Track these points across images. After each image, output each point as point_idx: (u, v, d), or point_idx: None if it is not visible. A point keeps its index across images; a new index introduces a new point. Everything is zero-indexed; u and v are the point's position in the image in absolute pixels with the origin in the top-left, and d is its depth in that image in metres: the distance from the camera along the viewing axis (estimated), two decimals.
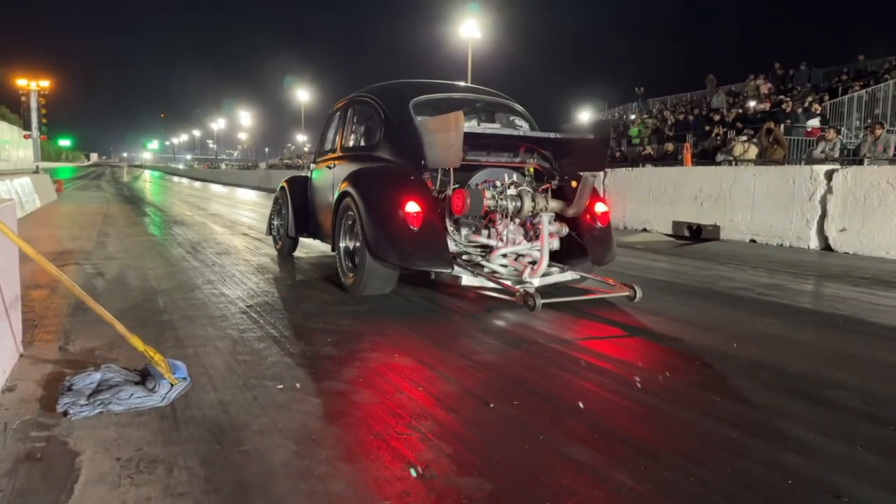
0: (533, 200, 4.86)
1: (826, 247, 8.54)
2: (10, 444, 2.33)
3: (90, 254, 7.39)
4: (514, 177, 5.08)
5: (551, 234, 4.95)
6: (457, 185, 4.98)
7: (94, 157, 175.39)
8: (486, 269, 4.94)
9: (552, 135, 5.29)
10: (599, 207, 5.40)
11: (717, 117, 19.62)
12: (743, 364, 3.52)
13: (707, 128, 19.62)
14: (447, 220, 5.01)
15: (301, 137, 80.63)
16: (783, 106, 18.16)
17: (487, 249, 5.07)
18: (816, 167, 8.96)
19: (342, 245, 5.46)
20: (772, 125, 15.01)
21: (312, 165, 7.12)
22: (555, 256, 5.10)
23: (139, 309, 4.61)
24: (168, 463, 2.22)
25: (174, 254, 7.64)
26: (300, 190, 7.12)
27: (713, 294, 5.68)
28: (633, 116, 28.35)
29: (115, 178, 49.26)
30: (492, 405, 2.81)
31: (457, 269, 4.78)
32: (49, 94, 30.34)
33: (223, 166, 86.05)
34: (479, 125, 5.78)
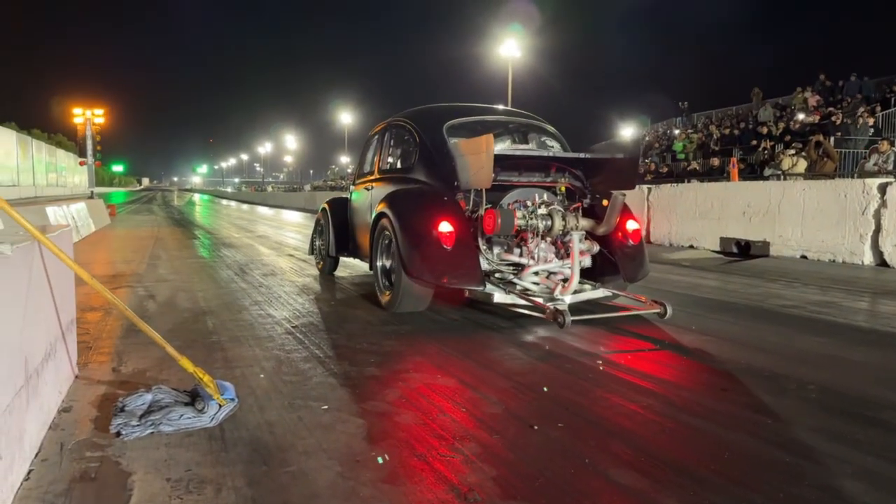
0: (563, 219, 4.99)
1: (881, 262, 8.27)
2: (66, 464, 2.40)
3: (142, 276, 7.60)
4: (545, 196, 5.19)
5: (582, 253, 5.02)
6: (489, 205, 5.07)
7: (145, 181, 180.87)
8: (518, 287, 5.00)
9: (582, 155, 5.45)
10: (631, 225, 5.42)
11: (764, 131, 19.26)
12: (795, 385, 3.42)
13: (754, 142, 19.26)
14: (480, 240, 5.10)
15: (344, 159, 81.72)
16: (833, 118, 17.73)
17: (520, 267, 5.12)
18: (869, 180, 8.71)
19: (379, 264, 5.60)
20: (821, 138, 14.66)
21: (352, 187, 7.32)
22: (587, 273, 5.26)
23: (189, 330, 4.72)
24: (216, 484, 2.26)
25: (223, 275, 7.80)
26: (340, 210, 7.32)
27: (763, 312, 5.54)
28: (677, 131, 28.01)
29: (165, 201, 50.62)
30: (536, 427, 2.79)
31: (489, 287, 4.88)
32: (103, 123, 31.43)
33: (269, 189, 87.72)
34: (511, 146, 5.94)
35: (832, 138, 16.31)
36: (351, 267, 8.23)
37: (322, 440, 2.64)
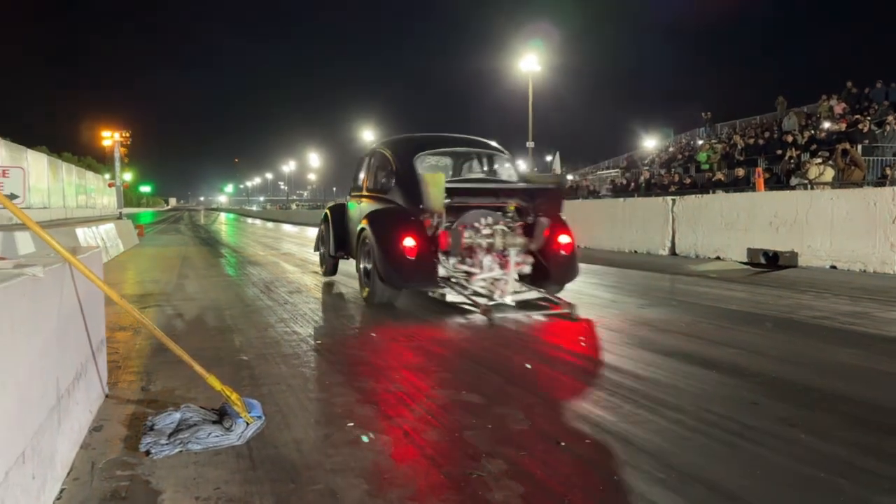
0: (503, 237, 6.18)
1: None
2: (97, 483, 2.43)
3: (170, 296, 7.69)
4: (490, 218, 6.33)
5: (518, 263, 6.22)
6: (447, 225, 6.22)
7: (172, 201, 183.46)
8: (468, 290, 6.06)
9: (519, 185, 6.82)
10: (563, 238, 6.46)
11: (789, 139, 19.04)
12: (828, 398, 3.36)
13: (779, 151, 19.04)
14: (440, 252, 6.21)
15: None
16: (860, 126, 17.48)
17: (470, 274, 6.22)
18: None
19: (361, 266, 6.91)
20: (847, 146, 14.45)
21: (348, 197, 8.47)
22: (531, 277, 6.39)
23: (216, 348, 4.76)
24: (245, 502, 2.26)
25: (249, 293, 7.87)
26: (339, 216, 8.45)
27: (793, 324, 5.45)
28: (700, 142, 27.80)
29: (192, 221, 51.29)
30: (562, 443, 2.76)
31: (445, 289, 6.10)
32: (130, 145, 32.02)
33: (293, 206, 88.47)
34: (469, 174, 7.43)
35: (859, 146, 16.08)
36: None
37: (349, 458, 2.64)
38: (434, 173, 6.42)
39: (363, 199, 7.59)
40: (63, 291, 2.69)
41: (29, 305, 2.14)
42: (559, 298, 6.06)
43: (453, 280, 6.21)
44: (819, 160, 14.83)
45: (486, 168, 7.47)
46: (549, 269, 6.33)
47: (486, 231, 6.22)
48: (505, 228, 6.23)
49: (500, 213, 6.51)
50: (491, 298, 5.97)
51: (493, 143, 7.67)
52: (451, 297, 6.08)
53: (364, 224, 6.68)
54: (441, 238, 6.15)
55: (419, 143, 7.40)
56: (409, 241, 6.02)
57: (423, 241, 6.09)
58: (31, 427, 2.06)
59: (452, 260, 6.27)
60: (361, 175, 8.02)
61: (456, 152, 7.54)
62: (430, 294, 6.38)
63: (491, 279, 6.16)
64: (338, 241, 8.34)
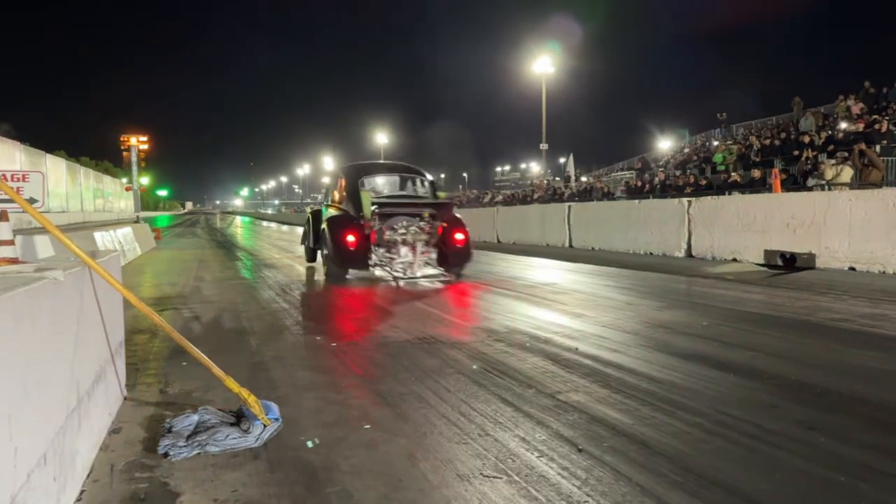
0: (413, 235, 9.01)
1: None
2: (117, 485, 2.45)
3: (187, 298, 7.74)
4: (406, 222, 9.07)
5: (424, 252, 9.13)
6: (377, 227, 8.97)
7: (189, 205, 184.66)
8: (391, 269, 8.95)
9: (427, 200, 9.66)
10: (458, 236, 9.26)
11: (806, 140, 18.86)
12: (847, 401, 3.32)
13: (796, 152, 18.87)
14: (373, 245, 8.96)
15: (380, 179, 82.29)
16: (877, 126, 17.29)
17: (392, 259, 9.04)
18: None
19: (321, 254, 10.16)
20: (864, 146, 14.29)
21: (324, 205, 11.15)
22: (439, 262, 9.26)
23: (233, 351, 4.78)
24: None
25: (265, 296, 7.91)
26: (316, 219, 11.05)
27: (812, 326, 5.40)
28: (716, 143, 27.61)
29: (208, 224, 51.59)
30: (581, 448, 2.75)
31: (375, 270, 9.16)
32: (147, 149, 32.38)
33: (308, 210, 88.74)
34: (400, 189, 10.10)
35: (877, 146, 15.90)
36: (391, 288, 8.27)
37: (365, 459, 2.65)
38: (365, 191, 9.17)
39: (330, 207, 10.33)
40: (83, 295, 2.72)
41: (50, 308, 2.17)
42: (447, 273, 9.19)
43: (381, 263, 9.09)
44: (834, 161, 14.68)
45: (414, 186, 10.19)
46: (448, 256, 9.19)
47: (402, 231, 9.04)
48: (416, 228, 9.05)
49: (417, 218, 9.17)
50: (404, 274, 8.93)
51: (418, 168, 10.69)
52: (379, 272, 9.25)
53: (325, 225, 9.58)
54: (371, 236, 8.94)
55: (365, 168, 10.59)
56: (350, 238, 8.82)
57: (361, 237, 8.88)
58: (52, 429, 2.08)
59: (381, 250, 9.06)
60: (331, 188, 11.05)
61: (397, 174, 10.36)
62: (368, 275, 9.41)
63: (405, 262, 9.06)
64: (314, 236, 10.96)
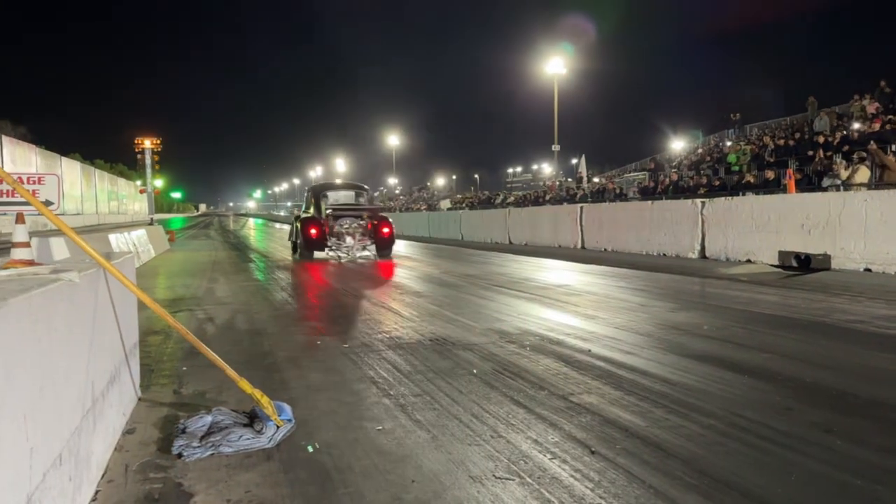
0: (354, 229, 13.53)
1: None
2: (131, 486, 2.46)
3: (201, 300, 7.79)
4: (349, 220, 13.59)
5: (361, 240, 13.53)
6: (330, 224, 13.51)
7: (202, 207, 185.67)
8: (340, 252, 13.35)
9: (364, 207, 14.40)
10: (384, 230, 13.71)
11: (820, 140, 18.69)
12: (864, 403, 3.29)
13: (810, 152, 18.70)
14: (329, 236, 13.42)
15: (392, 180, 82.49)
16: (889, 126, 17.09)
17: (341, 246, 13.39)
18: None
19: (293, 241, 15.06)
20: (874, 147, 14.14)
21: (302, 212, 15.16)
22: (376, 248, 13.77)
23: (246, 352, 4.81)
24: None
25: (277, 297, 7.94)
26: (297, 220, 15.04)
27: (827, 328, 5.35)
28: (729, 143, 27.44)
29: (222, 226, 51.87)
30: (594, 450, 2.74)
31: (330, 253, 13.46)
32: (161, 151, 32.58)
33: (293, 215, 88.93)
34: (349, 199, 14.81)
35: (893, 147, 15.72)
36: (404, 289, 8.27)
37: (378, 461, 2.65)
38: (323, 201, 14.04)
39: (304, 213, 14.85)
40: (98, 296, 2.74)
41: (66, 310, 2.18)
42: (377, 256, 13.71)
43: (333, 248, 13.47)
44: (850, 161, 14.54)
45: (359, 198, 14.94)
46: (377, 243, 13.72)
47: (346, 226, 13.57)
48: (356, 225, 13.64)
49: (357, 218, 13.74)
50: (348, 255, 13.34)
51: (361, 185, 15.93)
52: (331, 254, 13.47)
53: (297, 223, 14.40)
54: (326, 229, 13.44)
55: (324, 186, 15.71)
56: (313, 231, 13.43)
57: (320, 231, 13.43)
58: (67, 429, 2.10)
59: (333, 239, 13.46)
60: (306, 200, 15.44)
61: (345, 191, 15.21)
62: (323, 255, 13.72)
63: (349, 248, 13.44)
64: (296, 234, 14.71)
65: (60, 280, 2.17)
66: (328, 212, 13.53)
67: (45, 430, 1.86)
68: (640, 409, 3.27)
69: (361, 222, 13.67)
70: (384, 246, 13.77)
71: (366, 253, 13.47)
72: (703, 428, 2.97)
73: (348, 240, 13.41)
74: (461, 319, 6.03)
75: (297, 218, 14.98)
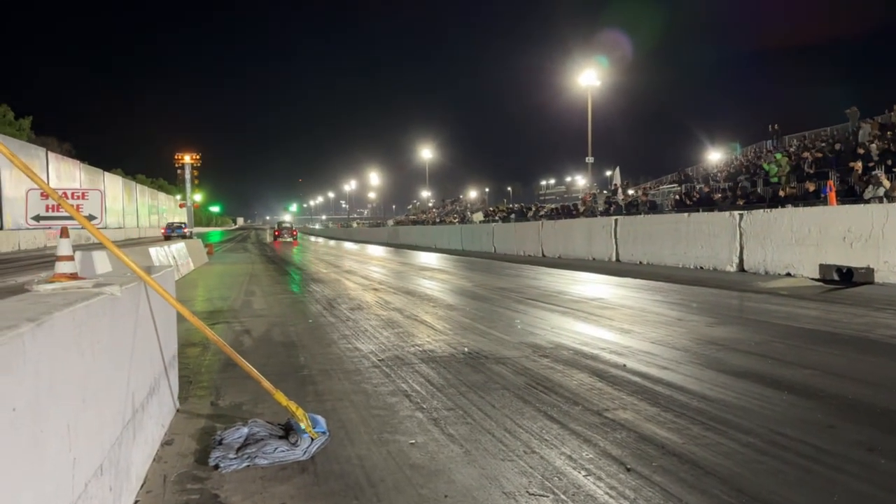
0: (284, 233, 51.76)
1: None
2: (169, 496, 2.51)
3: (238, 312, 7.90)
4: (285, 230, 52.76)
5: (291, 238, 50.43)
6: (278, 230, 54.40)
7: (240, 220, 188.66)
8: (284, 241, 49.32)
9: (290, 224, 58.65)
10: (296, 235, 54.73)
11: (861, 151, 18.27)
12: None
13: (851, 163, 18.29)
14: (276, 236, 52.74)
15: (425, 193, 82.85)
16: None
17: (284, 240, 50.76)
18: None
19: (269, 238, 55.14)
20: None
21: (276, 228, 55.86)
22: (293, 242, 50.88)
23: (281, 364, 4.86)
24: None
25: (312, 310, 8.02)
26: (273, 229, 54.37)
27: (870, 344, 5.21)
28: (768, 154, 26.98)
29: (258, 239, 52.82)
30: (630, 468, 2.70)
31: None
32: (201, 166, 33.28)
33: (354, 224, 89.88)
34: (288, 221, 62.91)
35: None
36: (436, 302, 8.27)
37: (411, 475, 2.65)
38: (276, 223, 66.24)
39: (278, 227, 54.68)
40: (139, 309, 2.80)
41: (108, 323, 2.24)
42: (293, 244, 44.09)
43: (281, 240, 47.40)
44: (884, 174, 14.16)
45: (290, 221, 64.79)
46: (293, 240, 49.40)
47: (285, 232, 50.70)
48: (287, 231, 50.88)
49: (288, 228, 52.38)
50: (283, 242, 47.39)
51: (290, 222, 62.75)
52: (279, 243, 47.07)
53: (269, 232, 49.23)
54: (276, 234, 50.63)
55: (279, 221, 66.42)
56: (276, 234, 51.01)
57: (276, 233, 50.90)
58: (108, 440, 2.15)
59: (280, 237, 49.38)
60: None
61: (289, 218, 79.84)
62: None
63: (286, 241, 46.52)
64: (275, 236, 50.06)
65: (103, 294, 2.23)
66: (275, 227, 49.44)
67: (87, 441, 1.91)
68: (677, 426, 3.23)
69: (290, 230, 50.58)
70: (293, 240, 44.88)
71: (290, 239, 42.66)
72: (742, 445, 2.92)
73: (286, 236, 46.58)
74: (494, 333, 6.02)
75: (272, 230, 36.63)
